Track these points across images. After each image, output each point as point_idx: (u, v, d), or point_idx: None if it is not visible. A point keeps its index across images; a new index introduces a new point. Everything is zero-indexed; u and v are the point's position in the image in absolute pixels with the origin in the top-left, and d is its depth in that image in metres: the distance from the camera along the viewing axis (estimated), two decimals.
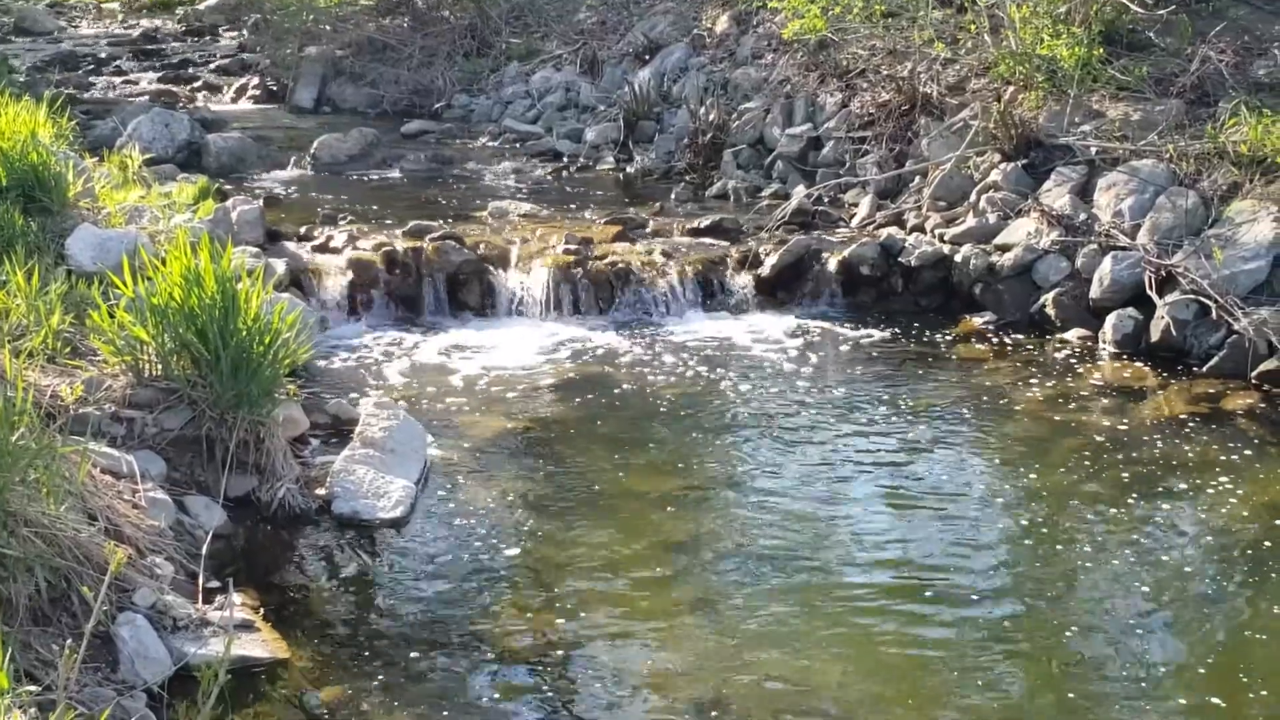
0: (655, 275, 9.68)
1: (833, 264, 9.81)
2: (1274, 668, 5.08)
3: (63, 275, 7.00)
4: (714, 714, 4.71)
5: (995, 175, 10.28)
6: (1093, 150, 9.95)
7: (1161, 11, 10.63)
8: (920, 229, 10.26)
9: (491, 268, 9.65)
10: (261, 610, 5.22)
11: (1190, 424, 7.50)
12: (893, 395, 8.05)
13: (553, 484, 6.72)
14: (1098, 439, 7.30)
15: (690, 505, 6.49)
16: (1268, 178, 8.98)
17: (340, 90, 17.64)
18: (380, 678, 4.89)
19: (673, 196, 12.02)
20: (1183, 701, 4.83)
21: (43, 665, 4.22)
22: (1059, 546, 6.08)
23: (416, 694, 4.82)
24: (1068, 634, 5.30)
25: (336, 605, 5.50)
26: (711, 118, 13.01)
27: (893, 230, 10.20)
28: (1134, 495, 6.59)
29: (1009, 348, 8.90)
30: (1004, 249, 9.56)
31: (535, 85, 16.47)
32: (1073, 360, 8.60)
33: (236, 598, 5.08)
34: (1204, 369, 8.24)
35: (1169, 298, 8.58)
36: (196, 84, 18.80)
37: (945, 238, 9.95)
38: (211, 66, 20.27)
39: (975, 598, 5.59)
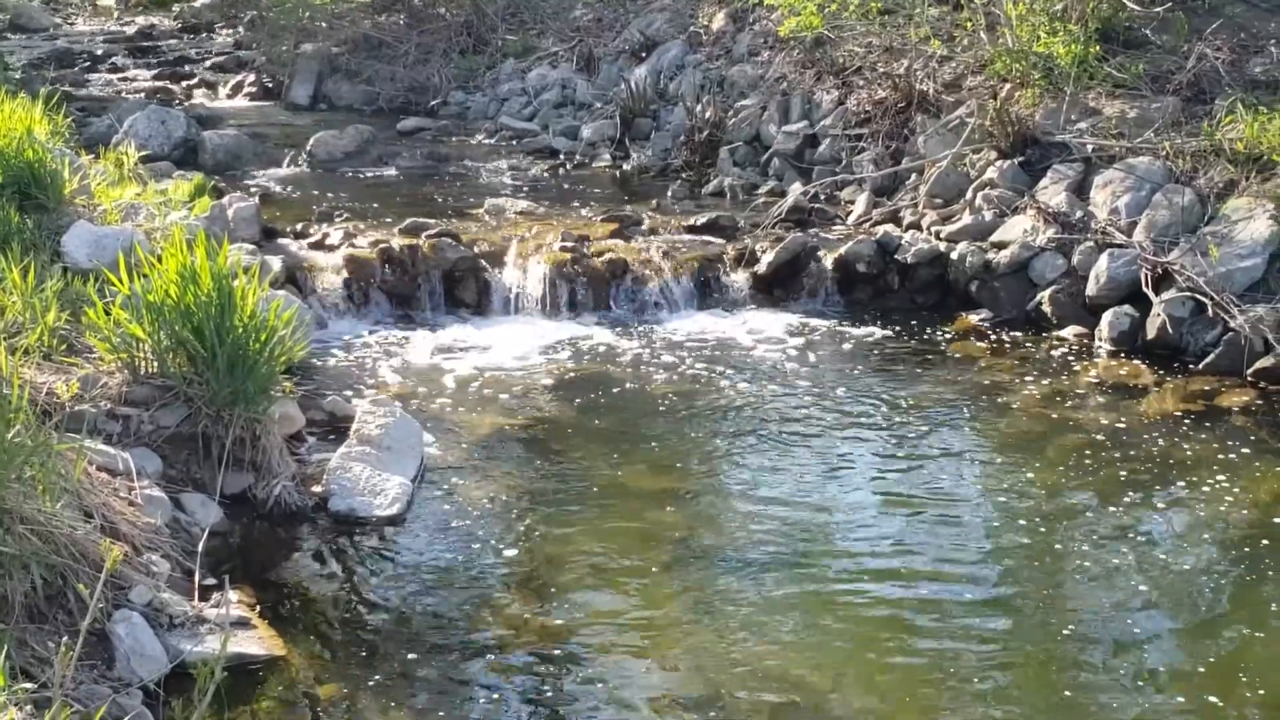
0: (651, 273, 9.68)
1: (829, 261, 9.81)
2: (1272, 666, 5.08)
3: (58, 272, 6.99)
4: (710, 712, 4.72)
5: (991, 173, 10.29)
6: (1089, 148, 9.96)
7: (1158, 9, 10.63)
8: (916, 226, 10.26)
9: (488, 265, 9.65)
10: (258, 608, 5.22)
11: (1186, 421, 7.51)
12: (889, 393, 8.05)
13: (549, 481, 6.72)
14: (1094, 436, 7.30)
15: (687, 503, 6.50)
16: (1264, 175, 8.99)
17: (336, 87, 17.63)
18: (376, 675, 4.89)
19: (669, 194, 12.02)
20: (1180, 700, 4.83)
21: (39, 663, 4.22)
22: (1055, 544, 6.09)
23: (413, 691, 4.82)
24: (1064, 632, 5.30)
25: (333, 602, 5.50)
26: (708, 115, 13.01)
27: (889, 228, 10.20)
28: (1130, 493, 6.60)
29: (1005, 345, 8.91)
30: (1000, 246, 9.57)
31: (531, 82, 16.46)
32: (1069, 357, 8.61)
33: (233, 595, 5.08)
34: (1200, 366, 8.25)
35: (1165, 295, 8.58)
36: (192, 81, 18.78)
37: (941, 235, 9.96)
38: (207, 64, 20.24)
39: (971, 596, 5.60)
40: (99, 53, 21.38)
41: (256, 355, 6.10)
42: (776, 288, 9.86)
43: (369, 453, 6.49)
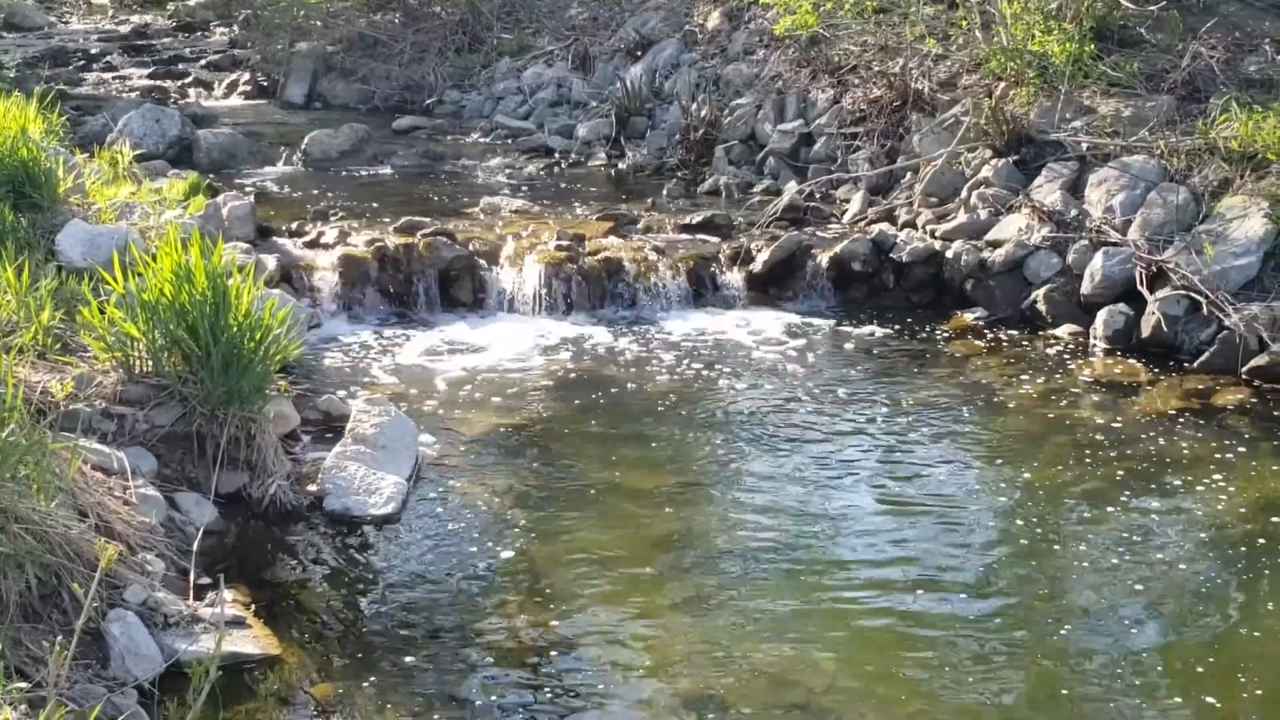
0: (647, 271, 9.68)
1: (824, 260, 9.82)
2: (1268, 664, 5.09)
3: (53, 271, 6.98)
4: (707, 710, 4.72)
5: (986, 171, 10.29)
6: (1084, 146, 9.97)
7: (1152, 8, 10.64)
8: (912, 225, 10.27)
9: (483, 264, 9.64)
10: (253, 607, 5.22)
11: (1181, 419, 7.52)
12: (884, 391, 8.05)
13: (544, 480, 6.72)
14: (1089, 435, 7.31)
15: (682, 501, 6.49)
16: (1258, 174, 9.00)
17: (331, 86, 17.61)
18: (372, 674, 4.89)
19: (664, 192, 12.02)
20: (1177, 699, 4.84)
21: (33, 662, 4.21)
22: (1050, 543, 6.09)
23: (408, 690, 4.81)
24: (1060, 630, 5.31)
25: (328, 601, 5.49)
26: (703, 114, 13.01)
27: (884, 226, 10.21)
28: (1125, 491, 6.60)
29: (1000, 344, 8.91)
30: (995, 245, 9.57)
31: (527, 81, 16.45)
32: (1064, 356, 8.62)
33: (228, 594, 5.08)
34: (1195, 364, 8.26)
35: (1160, 293, 8.59)
36: (187, 80, 18.75)
37: (937, 234, 9.96)
38: (202, 62, 20.21)
39: (967, 594, 5.60)
40: (94, 51, 21.35)
41: (251, 354, 6.09)
42: (772, 286, 9.86)
43: (364, 452, 6.49)
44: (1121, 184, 9.47)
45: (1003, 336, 9.03)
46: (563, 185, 12.57)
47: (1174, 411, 7.64)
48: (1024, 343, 8.90)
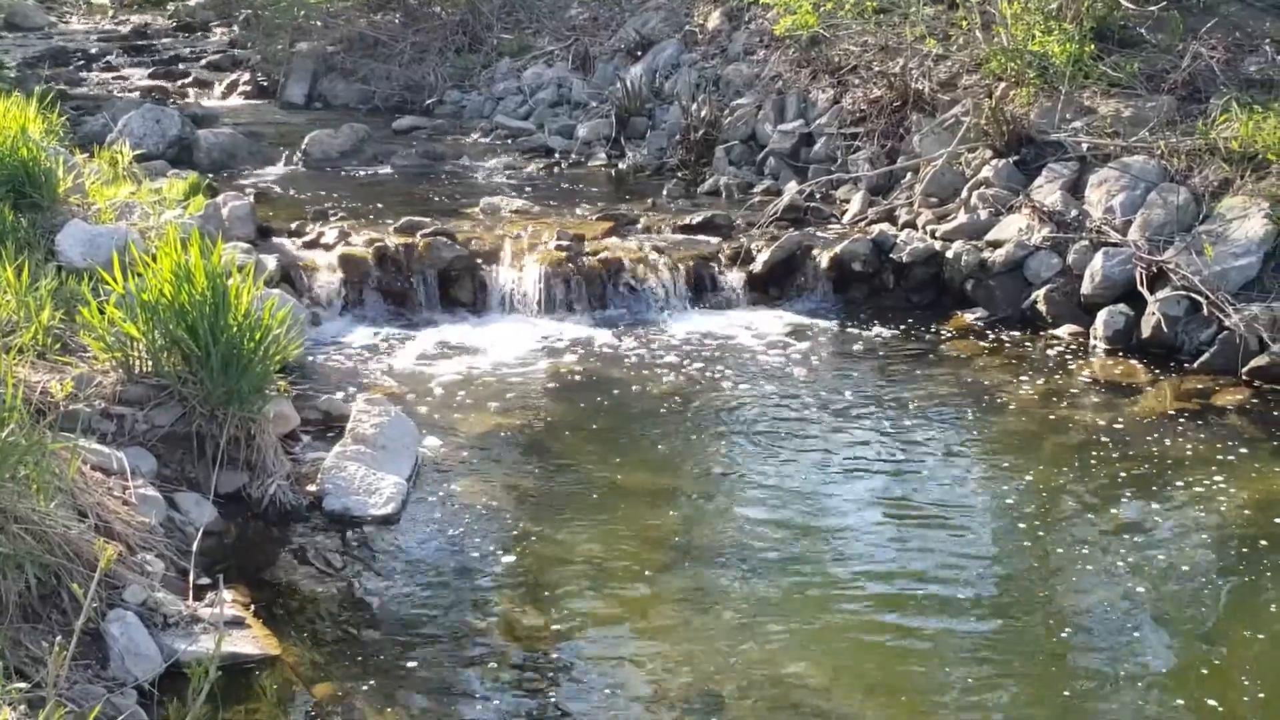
0: (647, 272, 9.67)
1: (824, 260, 9.81)
2: (1270, 665, 5.08)
3: (53, 271, 6.98)
4: (706, 712, 4.71)
5: (987, 171, 10.29)
6: (1084, 146, 9.96)
7: (1153, 8, 10.64)
8: (912, 225, 10.26)
9: (483, 264, 9.64)
10: (252, 607, 5.21)
11: (1181, 420, 7.51)
12: (884, 392, 8.05)
13: (544, 481, 6.71)
14: (1089, 435, 7.30)
15: (682, 502, 6.49)
16: (1259, 174, 9.00)
17: (331, 86, 17.61)
18: (371, 674, 4.88)
19: (665, 193, 12.02)
20: (1180, 703, 4.83)
21: (33, 662, 4.21)
22: (1050, 543, 6.09)
23: (408, 690, 4.81)
24: (1059, 632, 5.31)
25: (327, 602, 5.49)
26: (703, 114, 13.00)
27: (884, 226, 10.20)
28: (1125, 492, 6.60)
29: (1000, 344, 8.91)
30: (995, 245, 9.57)
31: (527, 81, 16.45)
32: (1064, 356, 8.61)
33: (227, 594, 5.07)
34: (1195, 365, 8.26)
35: (1160, 294, 8.59)
36: (187, 80, 18.75)
37: (937, 234, 9.96)
38: (202, 62, 20.21)
39: (967, 596, 5.59)
40: (94, 51, 21.34)
41: (251, 354, 6.09)
42: (772, 286, 9.86)
43: (364, 452, 6.49)
44: (1122, 184, 9.46)
45: (1003, 337, 9.03)
46: (563, 185, 12.56)
47: (1174, 412, 7.63)
48: (1024, 343, 8.89)
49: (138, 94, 16.90)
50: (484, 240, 9.92)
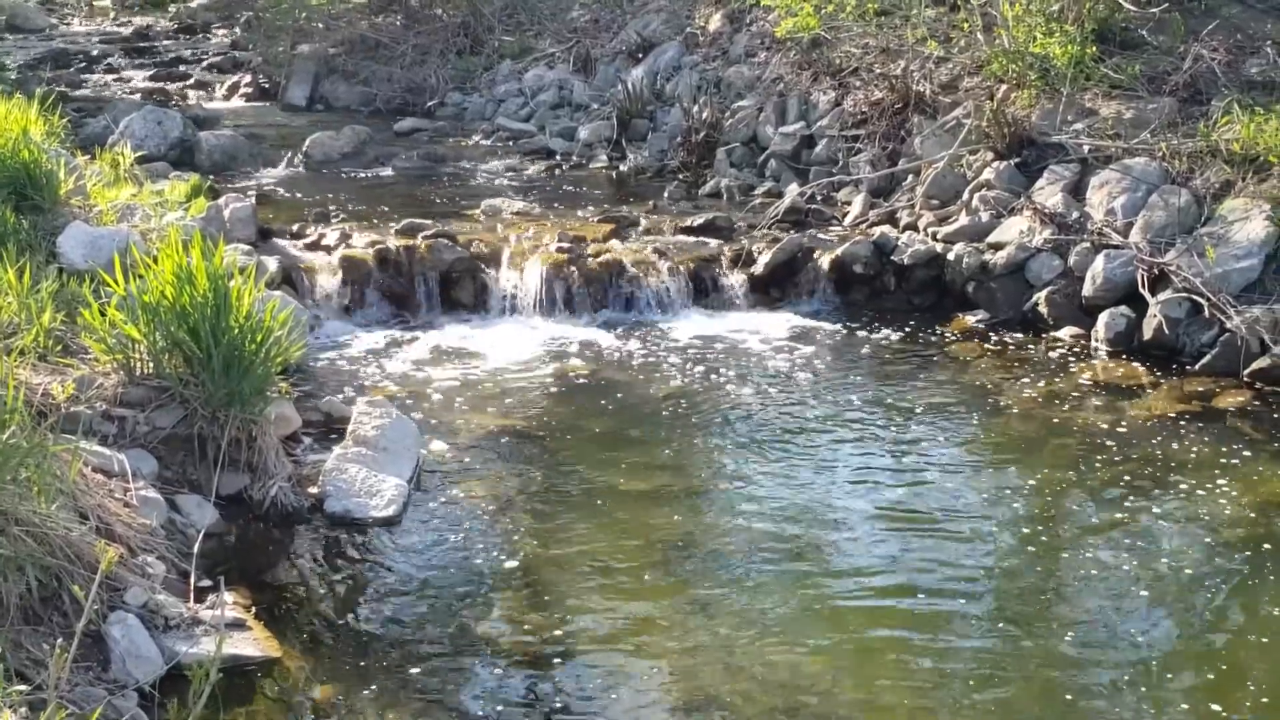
0: (648, 274, 9.67)
1: (826, 262, 9.81)
2: (1273, 668, 5.07)
3: (54, 273, 6.98)
4: (707, 715, 4.71)
5: (988, 174, 10.29)
6: (1085, 148, 9.96)
7: (1154, 10, 10.64)
8: (913, 227, 10.26)
9: (484, 266, 9.64)
10: (253, 609, 5.21)
11: (1183, 422, 7.51)
12: (886, 394, 8.05)
13: (545, 483, 6.71)
14: (1090, 438, 7.30)
15: (683, 505, 6.49)
16: (1260, 176, 8.99)
17: (333, 88, 17.62)
18: (372, 677, 4.88)
19: (666, 195, 12.02)
20: (1183, 706, 4.82)
21: (34, 664, 4.21)
22: (1052, 546, 6.08)
23: (409, 693, 4.81)
24: (1061, 634, 5.30)
25: (329, 604, 5.49)
26: (705, 116, 13.01)
27: (885, 229, 10.20)
28: (1127, 494, 6.59)
29: (1002, 346, 8.91)
30: (997, 247, 9.57)
31: (528, 83, 16.46)
32: (1065, 358, 8.61)
33: (228, 596, 5.07)
34: (1196, 367, 8.25)
35: (1161, 296, 8.59)
36: (189, 82, 18.77)
37: (938, 236, 9.96)
38: (204, 64, 20.23)
39: (969, 598, 5.59)
40: (95, 53, 21.34)
41: (252, 356, 6.09)
42: (773, 289, 9.86)
43: (365, 454, 6.48)
44: (1123, 186, 9.46)
45: (1004, 339, 9.03)
46: (564, 187, 12.56)
47: (1175, 414, 7.63)
48: (1025, 345, 8.89)
49: (139, 96, 16.92)
50: (485, 242, 9.92)
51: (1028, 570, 5.89)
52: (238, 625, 4.97)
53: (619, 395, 7.99)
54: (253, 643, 4.91)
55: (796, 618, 5.41)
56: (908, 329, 9.28)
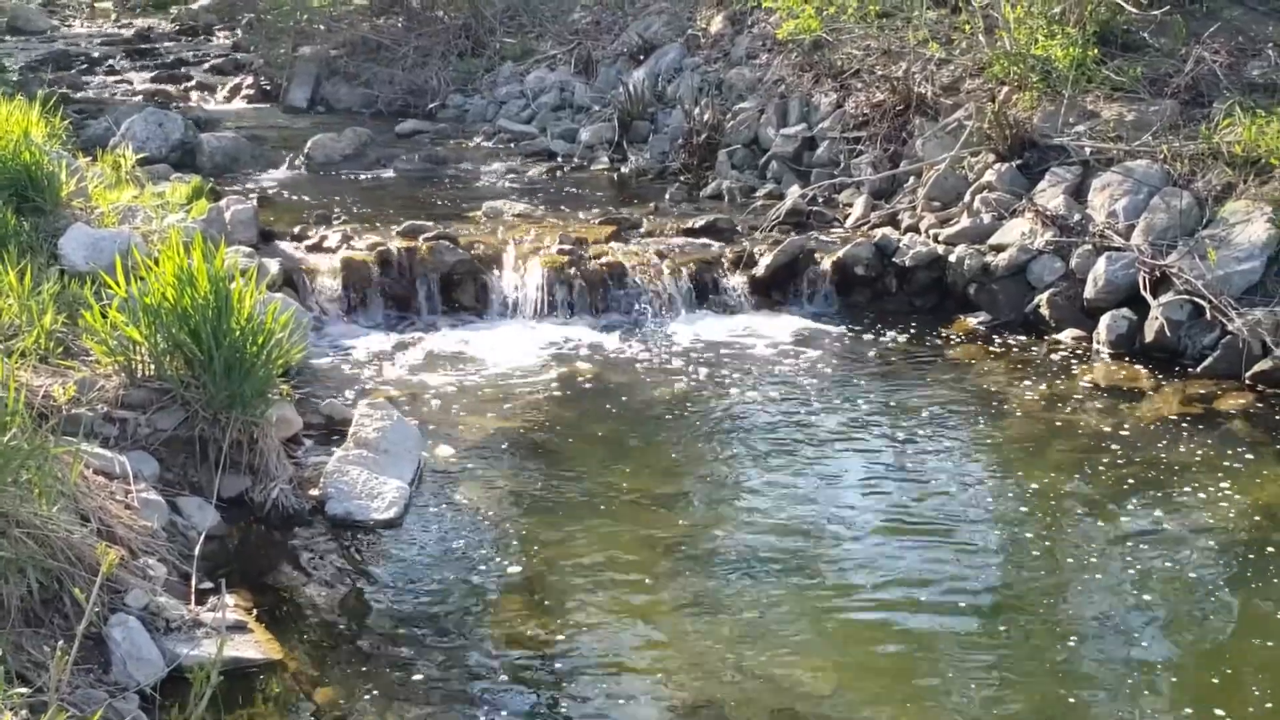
0: (649, 276, 9.66)
1: (827, 264, 9.81)
2: (1276, 673, 5.06)
3: (55, 275, 6.98)
4: (709, 717, 4.70)
5: (990, 175, 10.28)
6: (1087, 151, 9.95)
7: (1156, 12, 10.63)
8: (915, 229, 10.26)
9: (485, 268, 9.64)
10: (254, 611, 5.20)
11: (1184, 425, 7.50)
12: (887, 396, 8.04)
13: (546, 485, 6.71)
14: (1092, 440, 7.29)
15: (685, 507, 6.48)
16: (1262, 178, 8.99)
17: (334, 90, 17.62)
18: (373, 679, 4.88)
19: (667, 197, 12.01)
20: (1186, 711, 4.82)
21: (34, 667, 4.20)
22: (1054, 549, 6.08)
23: (410, 695, 4.80)
24: (1062, 637, 5.29)
25: (330, 607, 5.48)
26: (706, 118, 13.00)
27: (887, 230, 10.20)
28: (1128, 496, 6.59)
29: (1003, 348, 8.90)
30: (998, 249, 9.56)
31: (530, 85, 16.46)
32: (1067, 360, 8.60)
33: (229, 599, 5.07)
34: (1198, 369, 8.24)
35: (1163, 298, 8.58)
36: (190, 83, 18.76)
37: (940, 238, 9.95)
38: (205, 66, 20.23)
39: (970, 602, 5.58)
40: (96, 55, 21.36)
41: (254, 358, 6.09)
42: (774, 290, 9.86)
43: (366, 456, 6.48)
44: (1125, 188, 9.46)
45: (1006, 341, 9.02)
46: (565, 189, 12.56)
47: (1177, 417, 7.62)
48: (1027, 347, 8.89)
49: (140, 98, 16.93)
50: (486, 244, 9.92)
51: (1029, 574, 5.88)
52: (239, 628, 4.97)
53: (620, 398, 7.99)
54: (254, 645, 4.91)
55: (799, 622, 5.41)
56: (909, 331, 9.27)
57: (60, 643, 4.16)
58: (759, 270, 9.82)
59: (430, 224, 10.18)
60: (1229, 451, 7.10)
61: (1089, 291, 8.98)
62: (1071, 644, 5.23)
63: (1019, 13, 10.86)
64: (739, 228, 10.59)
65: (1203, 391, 7.98)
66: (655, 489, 6.63)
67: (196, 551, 5.22)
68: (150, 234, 8.17)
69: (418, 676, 4.92)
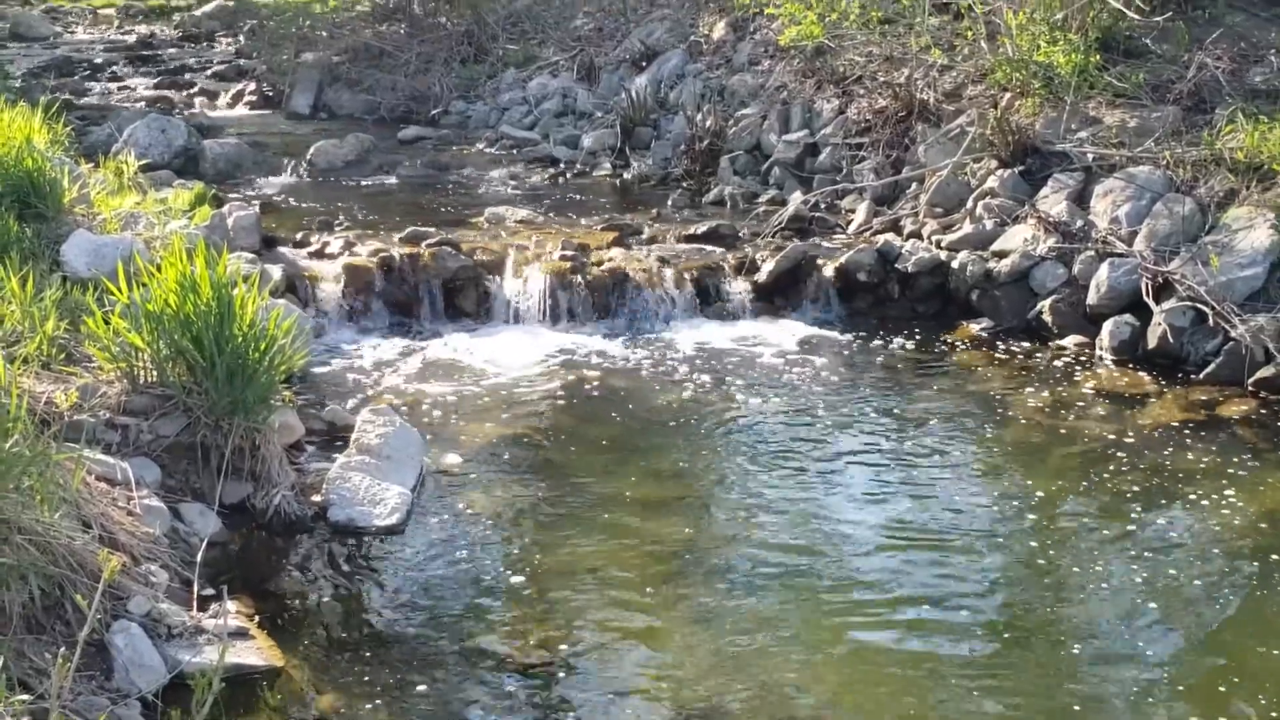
0: (652, 282, 9.66)
1: (830, 270, 9.81)
2: (1274, 678, 5.05)
3: (58, 281, 6.99)
4: None
5: (992, 182, 10.28)
6: (1089, 157, 9.95)
7: (1158, 18, 10.63)
8: (917, 235, 10.26)
9: (488, 274, 9.64)
10: (256, 618, 5.20)
11: (1187, 431, 7.49)
12: (890, 403, 8.04)
13: (549, 491, 6.70)
14: (1095, 446, 7.29)
15: (687, 514, 6.48)
16: (1264, 184, 8.98)
17: (337, 96, 17.65)
18: (375, 686, 4.87)
19: (669, 203, 12.02)
20: (1191, 718, 4.80)
21: (37, 674, 4.20)
22: (1057, 556, 6.07)
23: (411, 702, 4.80)
24: (1065, 643, 5.28)
25: (332, 613, 5.48)
26: (708, 124, 13.01)
27: (890, 237, 10.20)
28: (1132, 504, 6.58)
29: (1006, 354, 8.89)
30: (1001, 255, 9.56)
31: (532, 92, 16.48)
32: (1070, 367, 8.60)
33: (231, 605, 5.06)
34: (1201, 376, 8.23)
35: (1166, 304, 8.57)
36: (193, 90, 18.80)
37: (942, 244, 9.95)
38: (208, 72, 20.29)
39: (973, 610, 5.57)
40: (99, 61, 21.40)
41: (256, 364, 6.09)
42: (777, 296, 9.86)
43: (368, 462, 6.48)
44: (1127, 194, 9.45)
45: (1009, 347, 9.01)
46: (568, 195, 12.57)
47: (1180, 423, 7.61)
48: (1030, 354, 8.88)
49: (143, 104, 16.97)
50: (489, 250, 9.92)
51: (1033, 581, 5.87)
52: (241, 634, 4.96)
53: (623, 404, 7.98)
54: (256, 652, 4.90)
55: (801, 629, 5.40)
56: (912, 337, 9.27)
57: (62, 649, 4.16)
58: (761, 276, 9.82)
59: (433, 230, 10.18)
60: (1232, 458, 7.09)
61: (1092, 298, 8.98)
62: (1076, 651, 5.22)
63: (1021, 19, 10.87)
64: (741, 234, 10.60)
65: (1205, 398, 7.97)
66: (658, 495, 6.63)
67: (198, 558, 5.21)
68: (152, 240, 8.18)
69: (419, 683, 4.92)
